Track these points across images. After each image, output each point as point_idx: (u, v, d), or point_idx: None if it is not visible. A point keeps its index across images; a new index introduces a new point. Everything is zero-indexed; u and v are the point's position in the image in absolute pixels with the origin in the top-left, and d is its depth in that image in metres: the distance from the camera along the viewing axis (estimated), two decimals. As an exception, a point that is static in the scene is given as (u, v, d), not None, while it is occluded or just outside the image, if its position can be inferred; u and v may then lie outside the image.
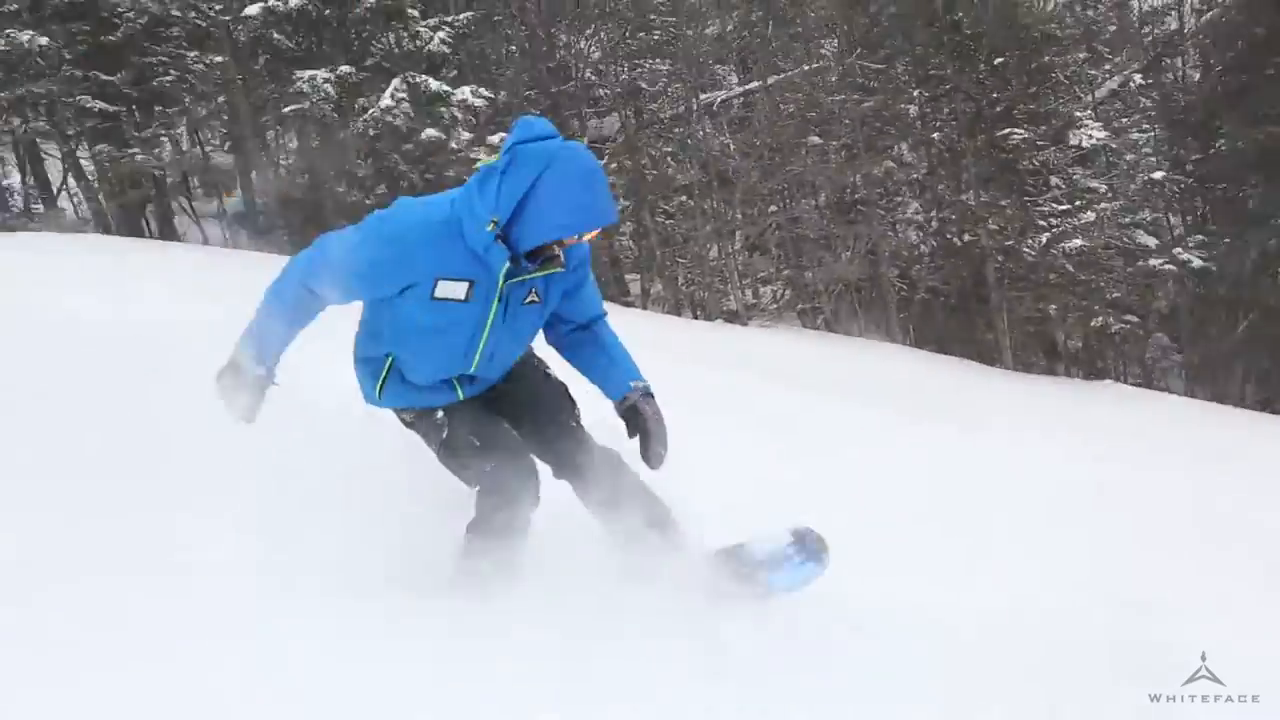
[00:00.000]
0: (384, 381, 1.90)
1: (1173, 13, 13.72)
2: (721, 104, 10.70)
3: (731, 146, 10.31)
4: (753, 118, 10.31)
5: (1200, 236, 11.80)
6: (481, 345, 1.80)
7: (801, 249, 11.65)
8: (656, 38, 9.61)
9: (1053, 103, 11.59)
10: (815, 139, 10.83)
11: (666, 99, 9.92)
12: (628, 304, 10.47)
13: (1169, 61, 13.48)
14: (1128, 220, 11.52)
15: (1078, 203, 11.19)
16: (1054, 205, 11.46)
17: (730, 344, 8.30)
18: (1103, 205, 11.21)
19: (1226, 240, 11.35)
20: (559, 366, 2.04)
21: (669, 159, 10.03)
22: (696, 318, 10.60)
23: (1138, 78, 12.70)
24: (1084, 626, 3.25)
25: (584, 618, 1.78)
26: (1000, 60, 11.41)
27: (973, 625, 2.84)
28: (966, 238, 11.39)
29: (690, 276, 10.34)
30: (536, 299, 1.80)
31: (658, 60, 9.77)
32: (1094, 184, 11.43)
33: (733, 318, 10.30)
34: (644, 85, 9.71)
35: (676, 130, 10.09)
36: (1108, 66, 12.85)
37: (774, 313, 11.55)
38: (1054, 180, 11.50)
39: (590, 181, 1.66)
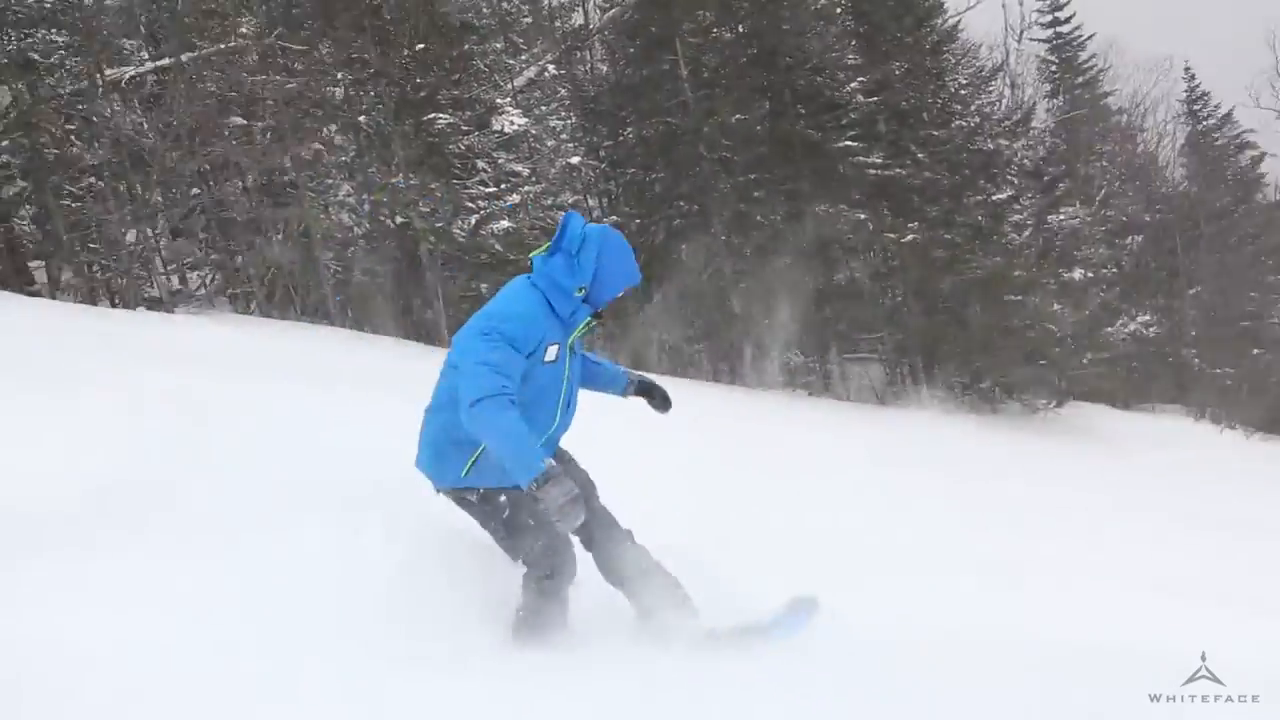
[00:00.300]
0: (475, 460, 2.30)
1: (579, 8, 16.41)
2: (131, 80, 10.18)
3: (145, 126, 10.00)
4: (167, 96, 10.07)
5: (615, 217, 14.69)
6: (564, 394, 2.36)
7: (230, 233, 11.80)
8: (49, 5, 8.72)
9: (475, 90, 13.31)
10: (239, 120, 10.99)
11: (66, 72, 9.16)
12: (34, 293, 9.62)
13: (580, 54, 16.17)
14: (550, 202, 13.84)
15: (503, 185, 13.15)
16: (481, 188, 13.29)
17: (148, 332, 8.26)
18: (526, 188, 13.32)
19: (637, 220, 13.91)
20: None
21: (72, 138, 9.36)
22: (115, 306, 10.19)
23: (551, 68, 15.08)
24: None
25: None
26: (422, 47, 12.71)
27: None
28: (399, 220, 12.70)
29: (105, 263, 10.02)
30: (583, 348, 2.50)
31: (52, 30, 8.90)
32: (518, 168, 13.50)
33: (156, 305, 10.20)
34: (37, 56, 8.78)
35: (80, 106, 9.39)
36: (524, 56, 14.98)
37: (203, 299, 11.58)
38: (480, 164, 13.32)
39: (629, 250, 2.40)
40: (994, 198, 15.50)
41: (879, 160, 14.54)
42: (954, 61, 16.04)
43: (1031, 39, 23.07)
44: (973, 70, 16.65)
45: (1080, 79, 22.44)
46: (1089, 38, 22.75)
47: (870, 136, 14.55)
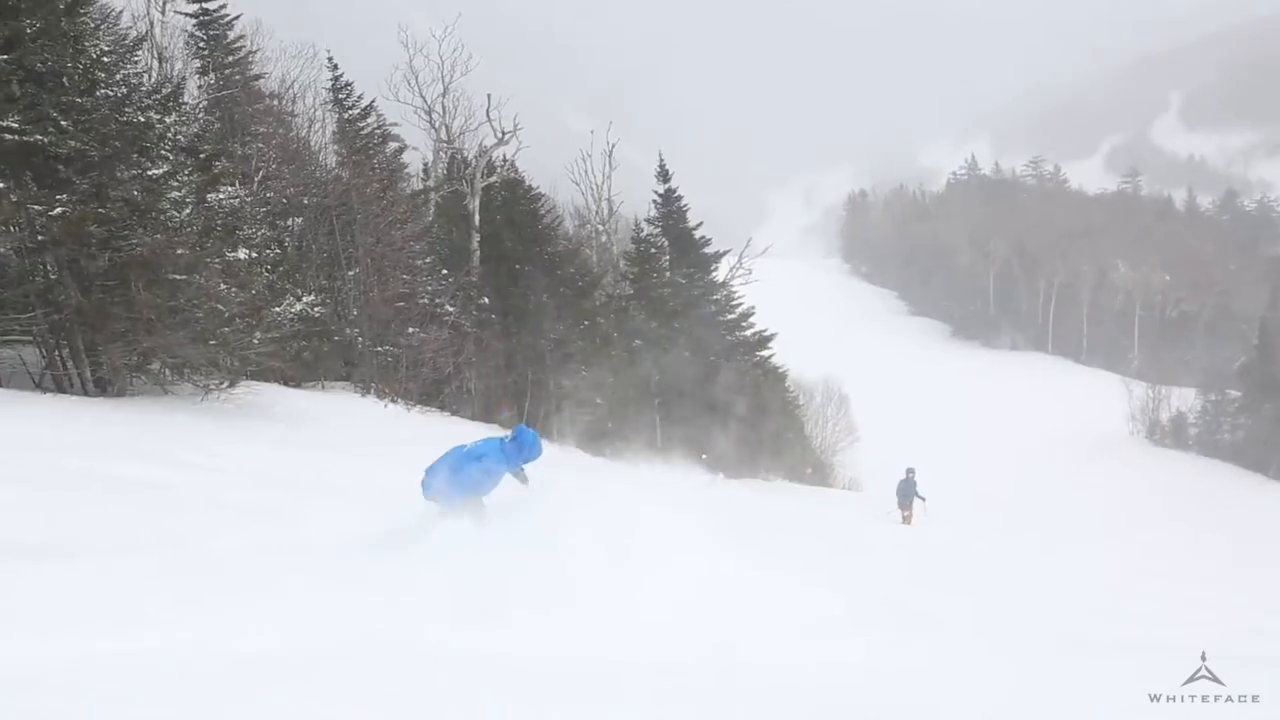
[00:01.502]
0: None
1: None
2: None
3: None
4: None
5: None
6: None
7: None
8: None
9: None
10: None
11: None
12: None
13: None
14: None
15: None
16: None
17: None
18: None
19: None
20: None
21: None
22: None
23: None
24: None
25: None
26: None
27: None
28: None
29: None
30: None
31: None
32: None
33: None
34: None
35: None
36: None
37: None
38: None
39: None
40: (150, 173, 19.28)
41: (15, 124, 17.23)
42: (93, 25, 19.38)
43: (177, 11, 27.63)
44: (115, 37, 20.22)
45: (231, 58, 27.60)
46: (236, 17, 28.06)
47: (5, 98, 17.17)
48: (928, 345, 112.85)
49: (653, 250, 36.14)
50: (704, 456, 32.45)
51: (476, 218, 29.41)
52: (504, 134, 31.93)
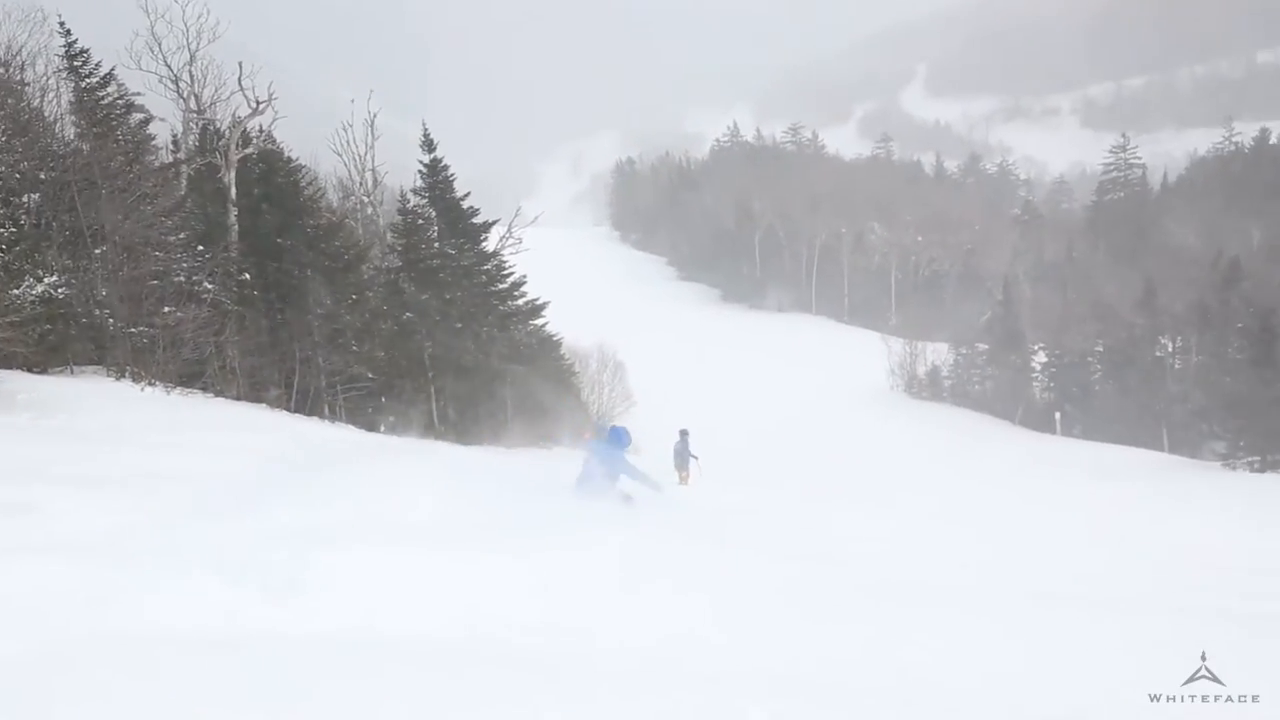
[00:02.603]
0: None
1: None
2: None
3: None
4: None
5: None
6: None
7: None
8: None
9: None
10: None
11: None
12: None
13: None
14: None
15: None
16: None
17: None
18: None
19: None
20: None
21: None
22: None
23: None
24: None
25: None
26: None
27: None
28: None
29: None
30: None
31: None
32: None
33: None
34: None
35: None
36: None
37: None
38: None
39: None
40: None
41: None
42: None
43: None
44: None
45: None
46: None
47: None
48: (698, 309, 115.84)
49: (420, 221, 35.78)
50: (480, 428, 32.59)
51: (233, 191, 28.42)
52: (258, 104, 30.91)
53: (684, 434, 26.80)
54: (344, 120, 39.93)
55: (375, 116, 40.30)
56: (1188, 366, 67.43)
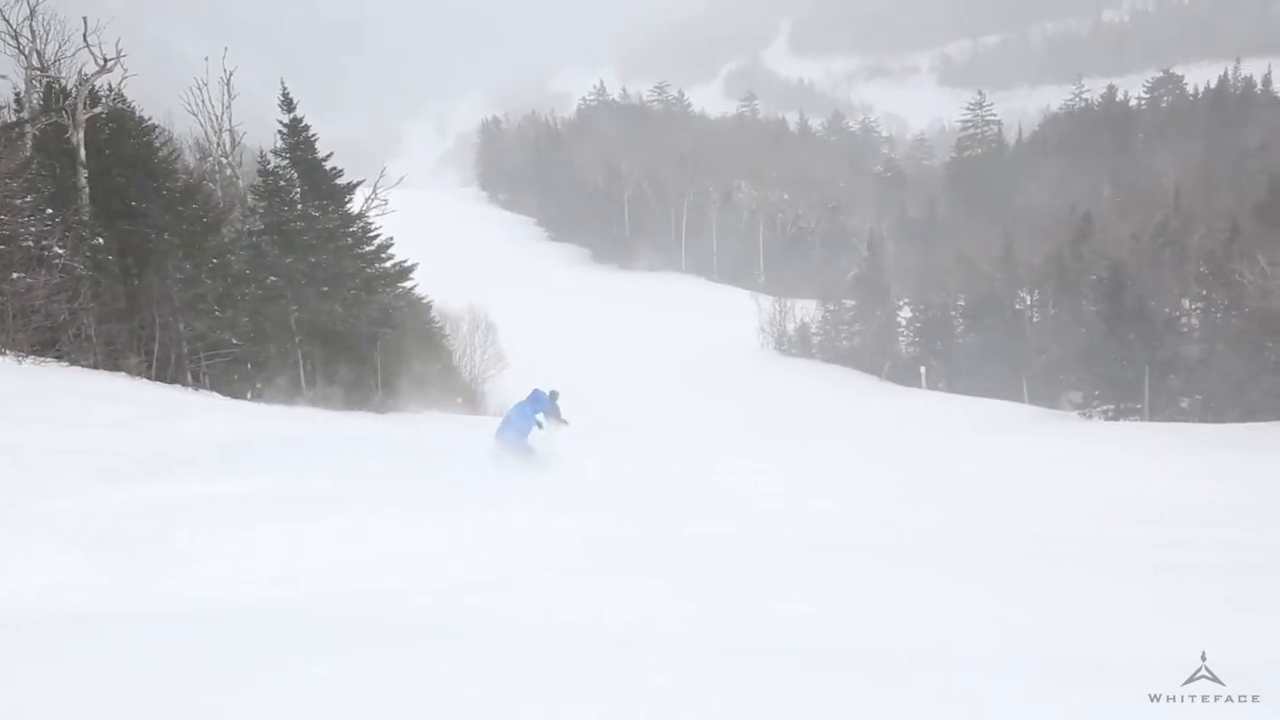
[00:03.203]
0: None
1: None
2: None
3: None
4: None
5: None
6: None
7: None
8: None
9: None
10: None
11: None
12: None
13: None
14: None
15: None
16: None
17: None
18: None
19: None
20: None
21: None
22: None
23: None
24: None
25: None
26: None
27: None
28: None
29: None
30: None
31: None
32: None
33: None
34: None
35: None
36: None
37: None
38: None
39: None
40: None
41: None
42: None
43: None
44: None
45: None
46: None
47: None
48: (569, 269, 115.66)
49: (282, 183, 34.88)
50: (350, 393, 32.11)
51: (82, 152, 27.25)
52: (106, 61, 29.59)
53: (553, 395, 26.76)
54: (198, 78, 38.58)
55: (231, 75, 39.06)
56: (1045, 319, 70.01)
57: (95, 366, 23.71)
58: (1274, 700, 4.37)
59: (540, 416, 16.61)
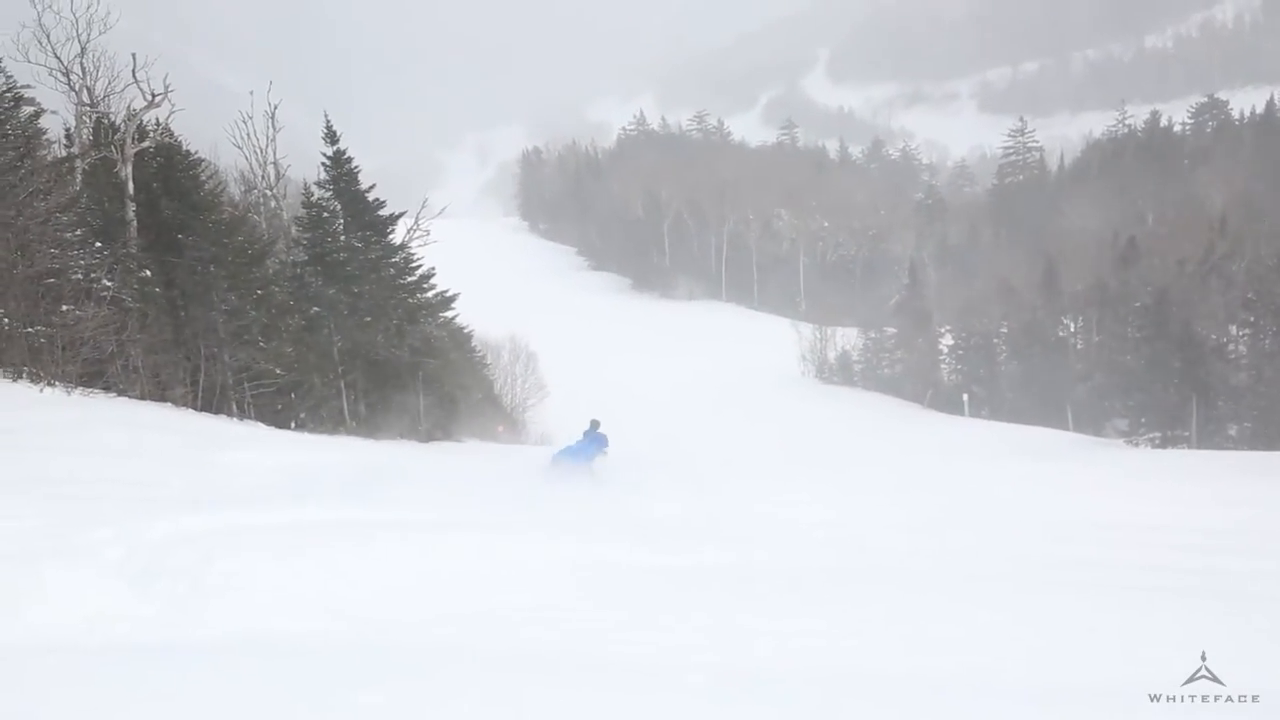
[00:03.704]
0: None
1: None
2: None
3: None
4: None
5: None
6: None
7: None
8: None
9: None
10: None
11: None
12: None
13: None
14: None
15: None
16: None
17: None
18: None
19: None
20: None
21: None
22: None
23: None
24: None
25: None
26: None
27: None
28: None
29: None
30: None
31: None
32: None
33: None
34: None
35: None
36: None
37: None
38: None
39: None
40: None
41: None
42: None
43: None
44: None
45: None
46: None
47: None
48: (609, 298, 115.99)
49: (325, 214, 35.23)
50: (393, 423, 32.31)
51: (130, 186, 27.70)
52: (154, 96, 30.11)
53: (594, 424, 26.73)
54: (243, 112, 39.13)
55: (276, 108, 39.59)
56: (1089, 346, 69.36)
57: (142, 397, 23.99)
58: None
59: (601, 453, 20.94)
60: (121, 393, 23.62)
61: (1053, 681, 5.57)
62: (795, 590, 8.78)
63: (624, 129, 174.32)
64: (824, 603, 8.16)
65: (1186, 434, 52.62)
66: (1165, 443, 52.26)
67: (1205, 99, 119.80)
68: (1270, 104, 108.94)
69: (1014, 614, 7.81)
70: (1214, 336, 56.99)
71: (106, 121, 29.09)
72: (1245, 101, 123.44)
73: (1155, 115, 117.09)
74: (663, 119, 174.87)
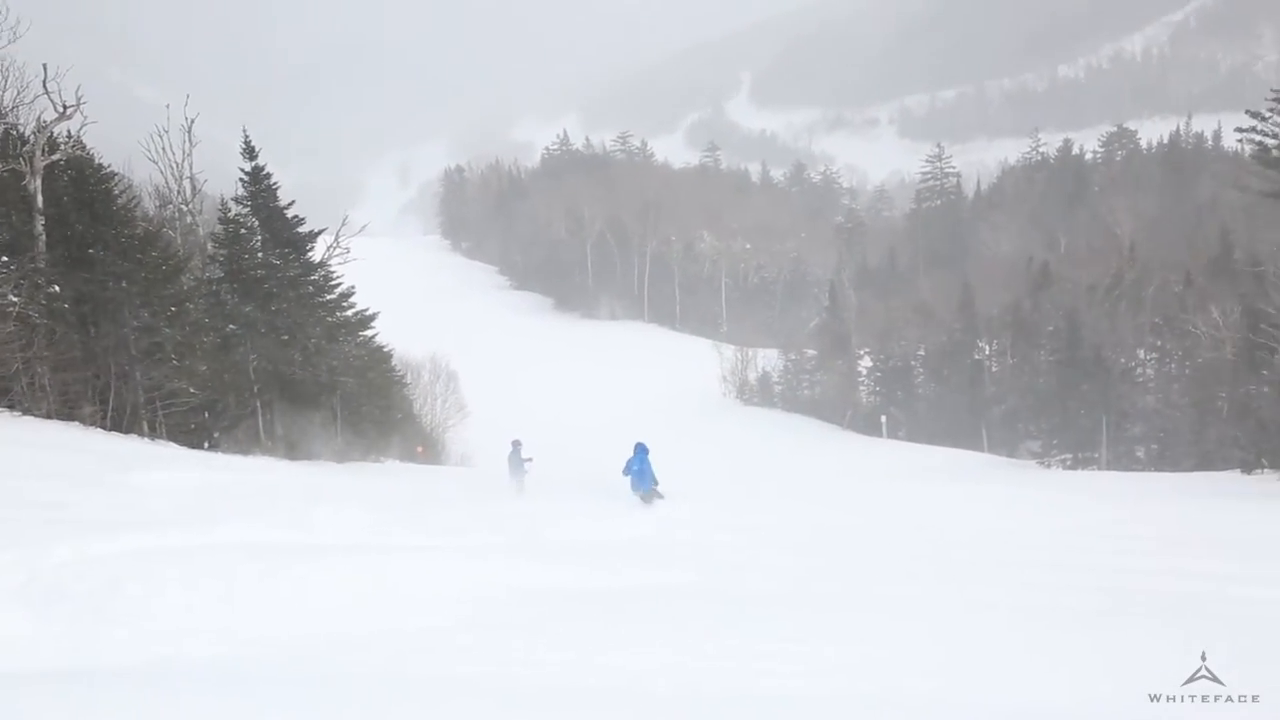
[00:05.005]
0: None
1: None
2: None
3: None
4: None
5: None
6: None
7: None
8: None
9: None
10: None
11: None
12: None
13: None
14: None
15: None
16: None
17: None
18: None
19: None
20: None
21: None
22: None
23: None
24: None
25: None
26: None
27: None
28: None
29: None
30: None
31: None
32: None
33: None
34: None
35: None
36: None
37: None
38: None
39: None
40: None
41: None
42: None
43: None
44: None
45: None
46: None
47: None
48: (531, 318, 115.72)
49: (242, 230, 34.72)
50: (310, 443, 31.90)
51: (39, 199, 27.05)
52: (65, 108, 29.45)
53: (516, 444, 26.68)
54: (158, 125, 38.44)
55: (193, 122, 38.96)
56: (1004, 369, 70.70)
57: (49, 416, 23.42)
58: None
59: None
60: (27, 411, 23.04)
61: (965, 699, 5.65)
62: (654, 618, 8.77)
63: (548, 148, 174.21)
64: (706, 627, 8.17)
65: (1097, 455, 53.85)
66: (1076, 464, 53.44)
67: (1115, 128, 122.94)
68: (1175, 134, 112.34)
69: (905, 630, 7.92)
70: (1123, 360, 58.46)
71: (15, 133, 28.38)
72: (1153, 131, 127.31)
73: (1068, 143, 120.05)
74: (587, 139, 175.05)
